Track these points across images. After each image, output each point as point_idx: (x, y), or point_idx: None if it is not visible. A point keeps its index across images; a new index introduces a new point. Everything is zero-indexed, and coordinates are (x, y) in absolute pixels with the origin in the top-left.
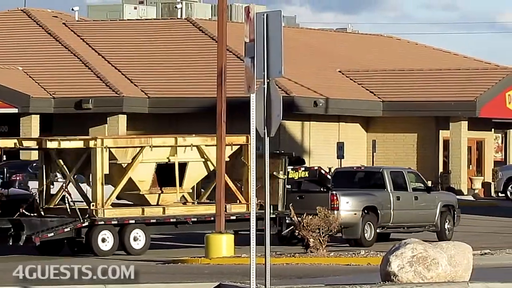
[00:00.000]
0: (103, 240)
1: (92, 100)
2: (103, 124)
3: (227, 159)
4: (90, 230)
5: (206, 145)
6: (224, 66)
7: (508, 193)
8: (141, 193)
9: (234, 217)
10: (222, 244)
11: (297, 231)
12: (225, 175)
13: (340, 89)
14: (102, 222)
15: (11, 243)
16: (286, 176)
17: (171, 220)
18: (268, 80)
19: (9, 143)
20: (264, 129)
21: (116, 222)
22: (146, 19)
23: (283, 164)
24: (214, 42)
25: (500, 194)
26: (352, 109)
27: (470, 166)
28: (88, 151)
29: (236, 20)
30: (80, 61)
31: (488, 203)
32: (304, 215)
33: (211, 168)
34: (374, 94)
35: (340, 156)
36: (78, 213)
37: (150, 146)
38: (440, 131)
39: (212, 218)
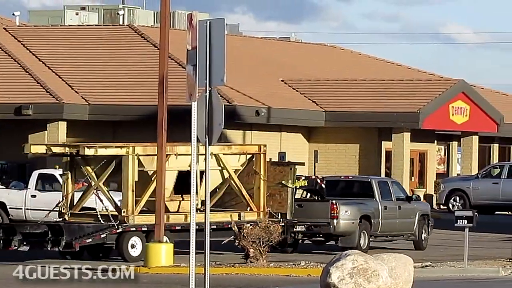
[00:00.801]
0: (132, 246)
1: (32, 107)
2: (43, 130)
3: (240, 168)
4: (120, 236)
5: (224, 154)
6: (166, 73)
7: (450, 205)
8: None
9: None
10: (161, 253)
11: (237, 241)
12: (239, 183)
13: (282, 99)
14: (134, 229)
15: (49, 248)
16: (295, 185)
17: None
18: (210, 88)
19: (40, 149)
20: (206, 138)
21: (146, 229)
22: (87, 25)
23: (292, 173)
24: (156, 49)
25: (442, 207)
26: (294, 118)
27: (412, 177)
28: (118, 158)
29: (178, 28)
30: (20, 66)
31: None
32: (245, 225)
33: (226, 176)
34: (317, 104)
35: None
36: (112, 219)
37: (175, 154)
38: (383, 142)
39: (230, 226)
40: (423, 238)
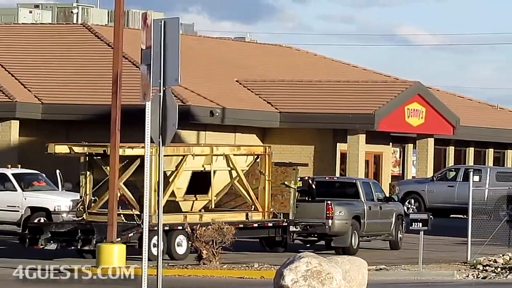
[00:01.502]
0: (154, 245)
1: None
2: None
3: (246, 168)
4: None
5: (234, 155)
6: (120, 73)
7: (405, 208)
8: (176, 200)
9: (256, 225)
10: (114, 254)
11: (190, 242)
12: (247, 183)
13: (237, 99)
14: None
15: (79, 247)
16: (297, 186)
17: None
18: (164, 88)
19: (64, 149)
20: (159, 138)
21: (167, 228)
22: (41, 24)
23: (295, 174)
24: (110, 49)
25: None
26: (249, 119)
27: None
28: (140, 158)
29: (133, 27)
30: None
31: None
32: (198, 226)
33: (234, 175)
34: (272, 105)
35: None
36: (137, 219)
37: (192, 155)
38: (338, 143)
39: (241, 226)
40: (399, 238)
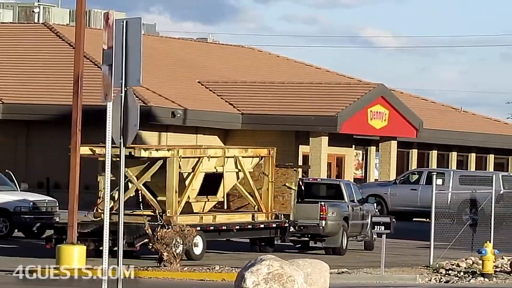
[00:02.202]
0: (195, 245)
1: None
2: None
3: (251, 170)
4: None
5: (242, 157)
6: (81, 73)
7: None
8: (190, 201)
9: (262, 225)
10: (74, 255)
11: (150, 244)
12: (253, 185)
13: (198, 100)
14: (178, 229)
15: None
16: (297, 187)
17: (223, 227)
18: (125, 89)
19: (86, 150)
20: (120, 139)
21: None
22: (2, 23)
23: (296, 176)
24: (71, 48)
25: None
26: (211, 120)
27: None
28: (162, 160)
29: (94, 27)
30: None
31: None
32: (159, 228)
33: (241, 177)
34: (234, 106)
35: None
36: (160, 219)
37: (207, 157)
38: (300, 145)
39: (250, 227)
40: (374, 239)
